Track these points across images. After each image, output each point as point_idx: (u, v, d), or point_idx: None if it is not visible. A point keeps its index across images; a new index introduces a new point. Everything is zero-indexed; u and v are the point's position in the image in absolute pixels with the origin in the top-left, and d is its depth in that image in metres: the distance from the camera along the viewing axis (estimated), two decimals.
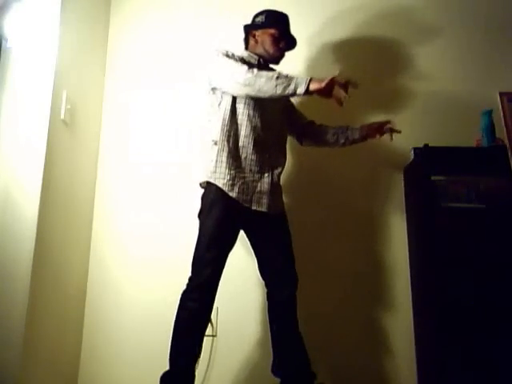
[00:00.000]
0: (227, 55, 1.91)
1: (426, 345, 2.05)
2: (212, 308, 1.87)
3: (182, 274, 2.30)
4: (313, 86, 1.70)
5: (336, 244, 2.29)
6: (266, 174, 1.92)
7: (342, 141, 2.10)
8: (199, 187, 2.39)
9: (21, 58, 2.03)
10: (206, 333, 2.20)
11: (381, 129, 2.05)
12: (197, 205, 2.37)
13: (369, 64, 2.51)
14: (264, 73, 1.77)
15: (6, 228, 1.89)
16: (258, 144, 1.91)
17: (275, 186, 1.93)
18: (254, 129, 1.92)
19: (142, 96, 2.55)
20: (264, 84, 1.74)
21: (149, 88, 2.56)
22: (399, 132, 2.06)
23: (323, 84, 1.70)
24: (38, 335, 1.91)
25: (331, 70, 2.41)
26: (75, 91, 2.22)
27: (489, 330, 1.87)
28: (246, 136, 1.91)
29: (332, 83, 1.71)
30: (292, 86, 1.71)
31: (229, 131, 1.90)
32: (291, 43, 2.09)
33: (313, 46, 2.52)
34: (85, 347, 2.29)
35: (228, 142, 1.89)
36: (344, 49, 2.52)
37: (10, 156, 1.96)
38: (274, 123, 1.98)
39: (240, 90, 1.82)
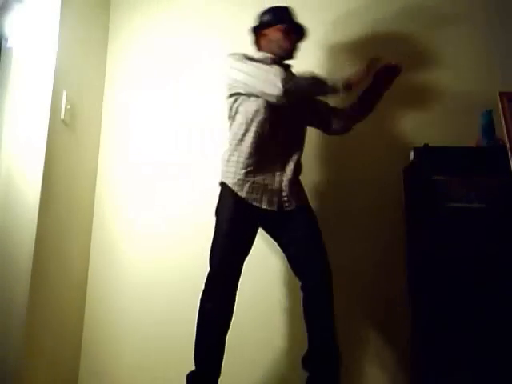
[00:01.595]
0: (250, 58, 1.94)
1: (424, 345, 2.05)
2: (231, 307, 1.85)
3: (183, 275, 2.32)
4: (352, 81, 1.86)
5: (335, 244, 2.26)
6: (278, 173, 1.91)
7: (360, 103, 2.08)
8: (200, 187, 2.41)
9: (21, 58, 2.03)
10: None
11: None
12: (197, 204, 2.39)
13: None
14: (301, 77, 1.90)
15: (5, 229, 1.89)
16: (271, 144, 1.92)
17: (289, 183, 1.92)
18: (266, 130, 1.92)
19: (141, 96, 2.56)
20: (304, 85, 1.88)
21: (149, 88, 2.56)
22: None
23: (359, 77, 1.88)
24: (38, 325, 1.92)
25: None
26: (75, 91, 2.22)
27: (489, 330, 1.87)
28: (257, 137, 1.91)
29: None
30: (330, 85, 1.86)
31: (241, 133, 1.93)
32: (301, 33, 2.09)
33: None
34: (85, 345, 2.30)
35: (240, 143, 1.93)
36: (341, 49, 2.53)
37: (10, 156, 1.96)
38: (289, 120, 1.96)
39: (280, 94, 1.82)
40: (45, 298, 1.97)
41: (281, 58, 2.03)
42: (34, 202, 1.91)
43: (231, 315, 1.85)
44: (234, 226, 1.87)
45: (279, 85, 1.81)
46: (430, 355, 1.96)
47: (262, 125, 1.91)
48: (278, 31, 2.03)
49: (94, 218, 2.44)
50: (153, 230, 2.39)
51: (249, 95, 1.92)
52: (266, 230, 2.02)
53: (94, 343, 2.29)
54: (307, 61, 2.42)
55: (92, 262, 2.39)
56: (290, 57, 2.06)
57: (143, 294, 2.33)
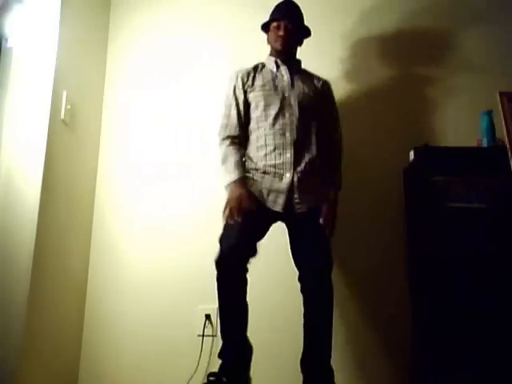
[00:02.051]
0: (255, 68, 2.05)
1: (424, 345, 2.05)
2: (242, 285, 1.86)
3: (183, 276, 2.32)
4: (228, 193, 1.89)
5: (335, 244, 2.27)
6: (288, 174, 1.90)
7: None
8: (200, 187, 2.41)
9: (21, 58, 2.03)
10: (206, 333, 2.23)
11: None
12: (197, 204, 2.39)
13: (372, 64, 2.51)
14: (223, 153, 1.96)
15: (5, 229, 1.89)
16: (277, 146, 1.92)
17: (299, 184, 1.90)
18: (269, 133, 1.93)
19: (142, 96, 2.55)
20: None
21: (149, 88, 2.56)
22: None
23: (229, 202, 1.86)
24: (38, 326, 1.92)
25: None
26: (75, 91, 2.22)
27: (489, 330, 1.87)
28: (262, 140, 1.94)
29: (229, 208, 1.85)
30: (226, 178, 1.91)
31: (247, 137, 1.99)
32: (302, 30, 2.07)
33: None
34: (85, 345, 2.29)
35: (246, 146, 1.97)
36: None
37: (10, 156, 1.96)
38: (298, 122, 1.94)
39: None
40: (44, 299, 1.97)
41: (282, 54, 2.04)
42: (34, 202, 1.91)
43: (245, 293, 1.87)
44: (247, 213, 1.85)
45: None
46: (430, 355, 1.96)
47: (266, 131, 1.94)
48: (271, 31, 2.05)
49: (94, 218, 2.44)
50: (153, 230, 2.39)
51: (255, 105, 1.98)
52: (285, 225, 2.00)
53: (93, 344, 2.29)
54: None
55: (92, 262, 2.38)
56: (287, 53, 2.04)
57: (143, 294, 2.33)
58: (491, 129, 2.14)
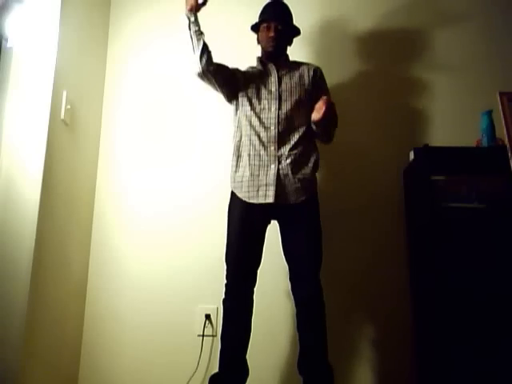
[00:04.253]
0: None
1: (424, 346, 2.05)
2: (248, 306, 1.92)
3: (184, 276, 2.32)
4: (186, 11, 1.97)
5: (335, 244, 2.28)
6: (273, 166, 1.92)
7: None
8: (201, 186, 2.41)
9: (21, 58, 2.03)
10: (206, 333, 2.24)
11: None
12: (198, 204, 2.40)
13: (372, 63, 2.51)
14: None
15: (5, 229, 1.89)
16: (262, 139, 1.94)
17: (286, 176, 1.91)
18: (254, 127, 1.96)
19: (142, 96, 2.55)
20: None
21: (149, 88, 2.56)
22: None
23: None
24: (38, 326, 1.91)
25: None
26: (75, 91, 2.22)
27: (488, 330, 1.87)
28: (247, 135, 1.97)
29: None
30: (187, 24, 1.97)
31: (236, 136, 2.02)
32: (292, 29, 2.09)
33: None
34: (85, 345, 2.29)
35: (236, 146, 2.01)
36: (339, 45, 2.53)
37: (10, 156, 1.96)
38: (284, 116, 1.96)
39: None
40: (45, 299, 1.97)
41: (273, 55, 2.05)
42: (34, 201, 1.91)
43: (250, 314, 1.92)
44: (242, 233, 1.92)
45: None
46: (430, 356, 1.96)
47: (252, 125, 1.96)
48: (261, 31, 2.07)
49: (94, 218, 2.44)
50: (153, 230, 2.39)
51: (242, 101, 2.01)
52: (277, 221, 2.01)
53: (93, 344, 2.29)
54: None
55: (92, 262, 2.38)
56: (276, 54, 2.05)
57: (143, 294, 2.33)
58: (491, 129, 2.14)
